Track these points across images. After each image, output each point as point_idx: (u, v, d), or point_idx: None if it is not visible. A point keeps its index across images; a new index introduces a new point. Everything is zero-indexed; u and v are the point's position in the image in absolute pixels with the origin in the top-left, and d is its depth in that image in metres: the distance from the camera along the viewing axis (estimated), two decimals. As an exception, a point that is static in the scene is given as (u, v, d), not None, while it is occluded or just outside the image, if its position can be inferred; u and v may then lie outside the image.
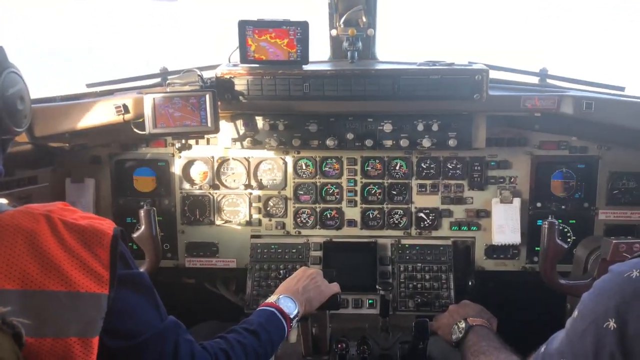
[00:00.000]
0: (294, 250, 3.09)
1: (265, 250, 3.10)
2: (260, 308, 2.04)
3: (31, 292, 1.24)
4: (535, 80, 3.06)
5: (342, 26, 2.91)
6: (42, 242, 1.27)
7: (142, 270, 2.01)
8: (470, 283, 3.11)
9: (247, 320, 1.94)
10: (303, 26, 2.73)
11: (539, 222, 2.93)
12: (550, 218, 2.66)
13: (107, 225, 1.37)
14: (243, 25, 2.73)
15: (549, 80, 3.03)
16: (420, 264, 3.02)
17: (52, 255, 1.27)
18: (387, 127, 2.92)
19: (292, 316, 2.05)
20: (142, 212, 2.77)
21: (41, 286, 1.25)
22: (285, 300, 2.09)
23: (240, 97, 2.79)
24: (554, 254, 2.62)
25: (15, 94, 1.46)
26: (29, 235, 1.27)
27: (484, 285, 3.17)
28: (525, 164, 3.09)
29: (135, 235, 2.76)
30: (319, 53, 3.14)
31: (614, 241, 2.47)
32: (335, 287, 2.36)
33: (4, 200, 1.44)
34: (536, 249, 3.02)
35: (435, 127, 2.89)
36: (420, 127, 2.90)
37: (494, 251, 3.14)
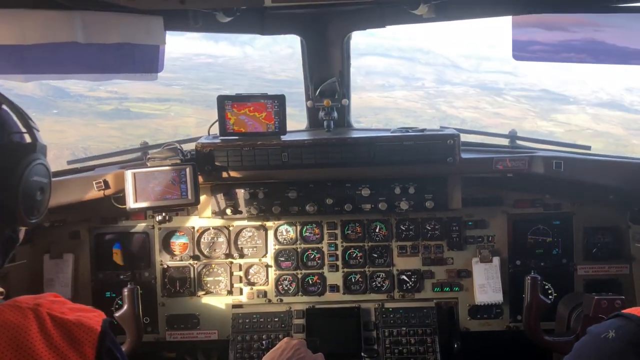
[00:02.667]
0: (276, 319, 3.05)
1: (247, 320, 3.05)
2: None
3: None
4: (505, 142, 3.18)
5: (318, 97, 3.03)
6: (27, 340, 1.25)
7: (123, 349, 1.97)
8: (455, 345, 3.08)
9: None
10: (280, 99, 2.83)
11: (520, 279, 2.96)
12: (533, 273, 2.70)
13: (96, 320, 1.34)
14: (222, 100, 2.82)
15: (518, 142, 3.16)
16: (404, 328, 3.00)
17: (36, 353, 1.24)
18: (365, 192, 2.97)
19: None
20: (125, 291, 2.71)
21: None
22: None
23: (220, 169, 2.84)
24: (538, 309, 2.65)
25: (37, 182, 1.42)
26: (14, 332, 1.25)
27: (470, 347, 3.14)
28: (502, 222, 3.15)
29: (117, 314, 2.70)
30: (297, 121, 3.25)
31: (596, 297, 2.50)
32: (319, 358, 2.32)
33: None
34: (519, 306, 3.02)
35: (411, 190, 2.95)
36: (397, 191, 2.96)
37: (477, 311, 3.14)
